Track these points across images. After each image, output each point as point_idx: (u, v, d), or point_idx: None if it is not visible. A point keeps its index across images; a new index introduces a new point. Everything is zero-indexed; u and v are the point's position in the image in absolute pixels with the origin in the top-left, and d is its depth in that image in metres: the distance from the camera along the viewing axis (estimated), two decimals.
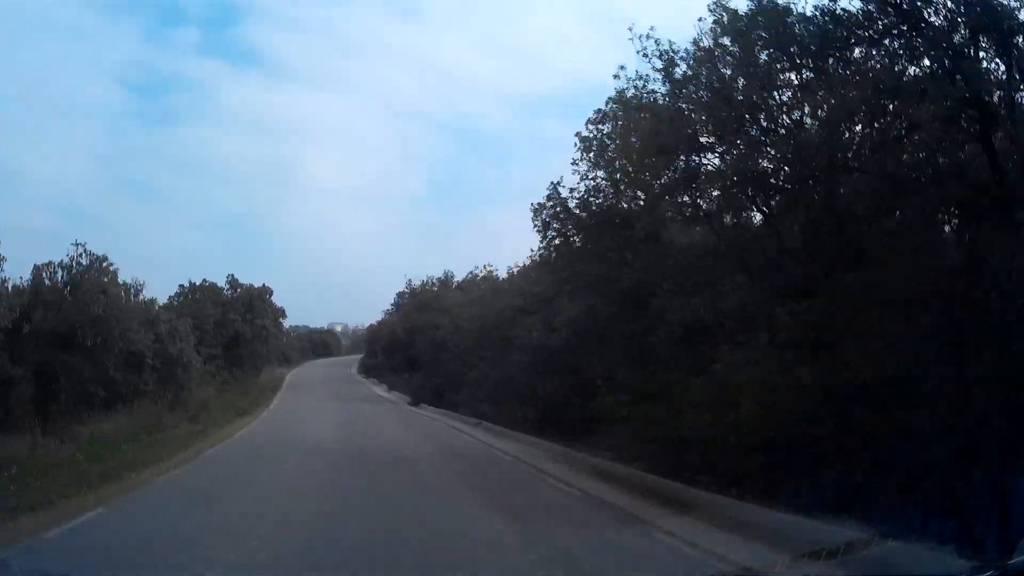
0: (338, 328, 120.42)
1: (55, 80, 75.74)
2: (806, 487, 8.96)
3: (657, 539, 8.40)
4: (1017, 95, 9.01)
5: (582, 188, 14.57)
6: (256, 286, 54.14)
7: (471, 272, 45.87)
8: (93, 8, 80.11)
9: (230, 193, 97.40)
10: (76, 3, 78.06)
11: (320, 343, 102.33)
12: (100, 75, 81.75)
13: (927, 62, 9.15)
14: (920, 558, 5.85)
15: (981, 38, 8.78)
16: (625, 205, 14.42)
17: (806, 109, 10.96)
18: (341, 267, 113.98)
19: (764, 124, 10.96)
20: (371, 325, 74.70)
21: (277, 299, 59.56)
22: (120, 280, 24.64)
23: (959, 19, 8.86)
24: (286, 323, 72.32)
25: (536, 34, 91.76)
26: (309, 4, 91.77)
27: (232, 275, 52.58)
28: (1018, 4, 8.69)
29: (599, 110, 14.38)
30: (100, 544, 7.89)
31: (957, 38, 8.90)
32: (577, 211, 14.82)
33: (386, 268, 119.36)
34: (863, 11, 9.26)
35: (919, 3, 8.85)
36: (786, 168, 10.67)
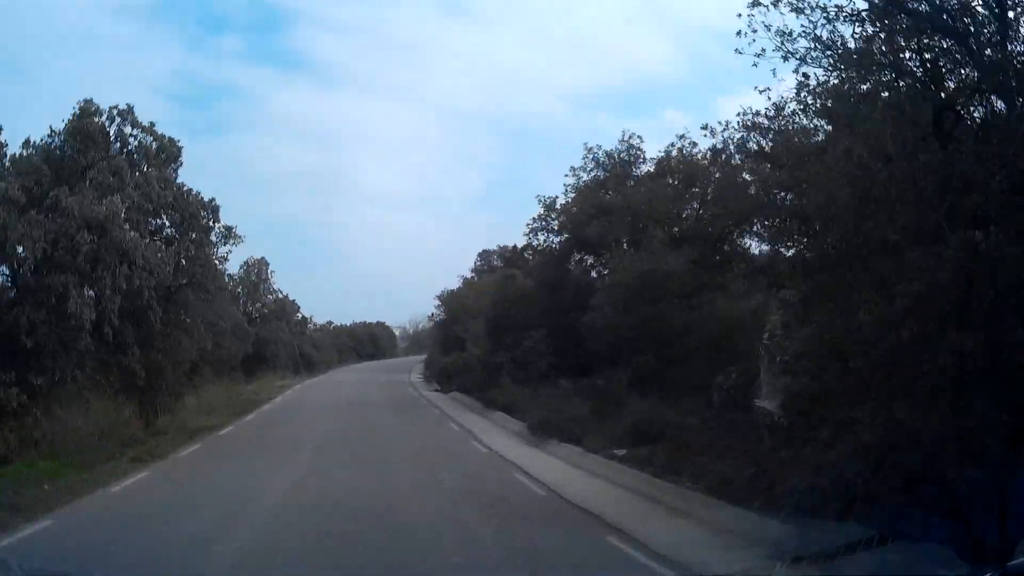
0: (398, 329, 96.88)
1: (97, 92, 74.36)
2: (806, 487, 8.93)
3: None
4: None
5: None
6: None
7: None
8: (132, 18, 78.74)
9: (281, 200, 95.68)
10: (114, 13, 76.79)
11: (366, 338, 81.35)
12: (142, 86, 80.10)
13: None
14: (920, 558, 5.84)
15: None
16: None
17: None
18: (392, 273, 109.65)
19: None
20: (454, 289, 43.62)
21: (321, 307, 50.99)
22: None
23: None
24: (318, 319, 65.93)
25: (588, 28, 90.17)
26: (355, 6, 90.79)
27: None
28: None
29: None
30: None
31: None
32: None
33: (439, 273, 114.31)
34: None
35: None
36: None
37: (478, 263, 44.25)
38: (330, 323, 75.15)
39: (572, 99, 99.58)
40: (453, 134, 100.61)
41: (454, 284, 44.27)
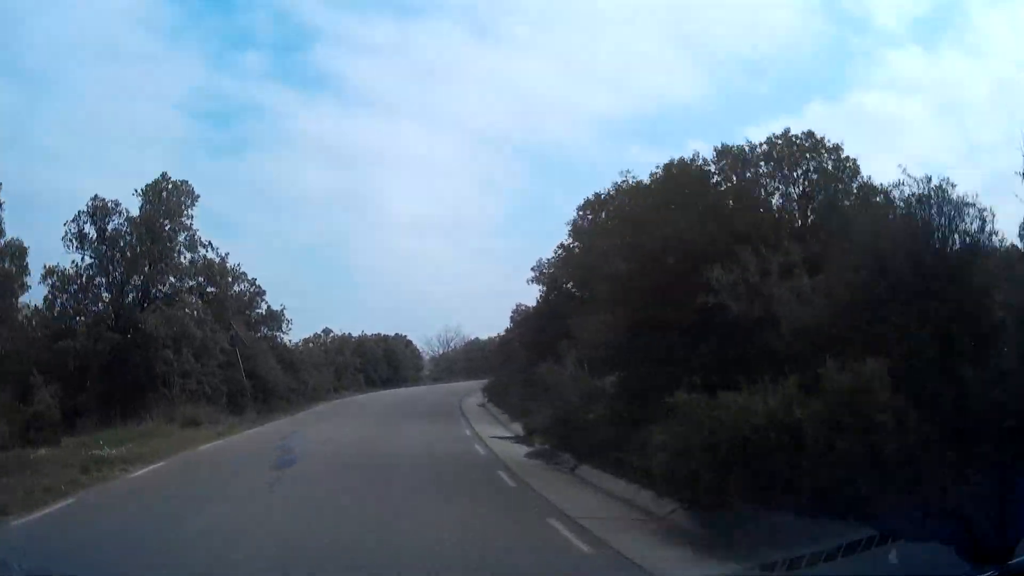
0: (422, 349, 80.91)
1: (120, 110, 73.35)
2: (805, 487, 8.93)
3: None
4: None
5: None
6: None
7: None
8: (158, 35, 77.70)
9: (304, 222, 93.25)
10: (140, 27, 75.84)
11: (381, 356, 64.22)
12: (164, 102, 78.72)
13: None
14: (920, 558, 5.83)
15: None
16: None
17: None
18: (416, 297, 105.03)
19: None
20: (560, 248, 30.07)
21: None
22: None
23: None
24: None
25: (616, 55, 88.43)
26: (382, 27, 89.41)
27: None
28: None
29: None
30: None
31: None
32: None
33: (463, 298, 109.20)
34: None
35: None
36: None
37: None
38: (326, 332, 59.78)
39: (599, 126, 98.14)
40: (477, 158, 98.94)
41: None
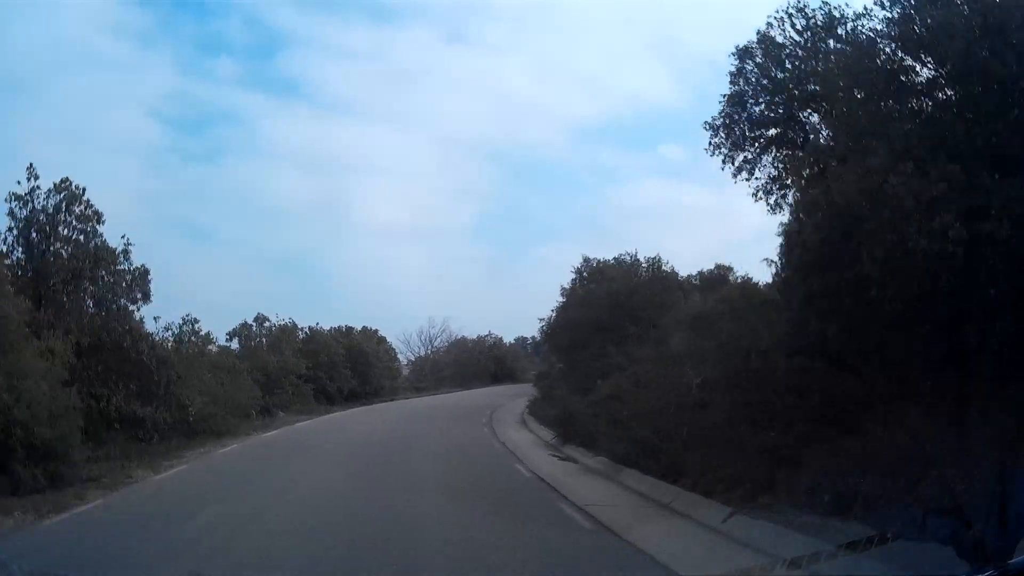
0: (399, 350, 59.38)
1: (94, 116, 72.10)
2: (806, 487, 8.95)
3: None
4: None
5: None
6: None
7: None
8: (128, 37, 76.37)
9: (280, 230, 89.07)
10: (112, 32, 74.51)
11: (342, 360, 41.25)
12: (137, 108, 76.96)
13: None
14: (920, 558, 5.84)
15: None
16: None
17: None
18: (396, 300, 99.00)
19: None
20: None
21: None
22: None
23: None
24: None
25: (592, 58, 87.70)
26: (356, 32, 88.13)
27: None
28: None
29: None
30: None
31: None
32: None
33: (445, 294, 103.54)
34: None
35: None
36: None
37: None
38: (259, 322, 37.83)
39: (574, 130, 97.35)
40: (451, 163, 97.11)
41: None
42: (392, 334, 58.82)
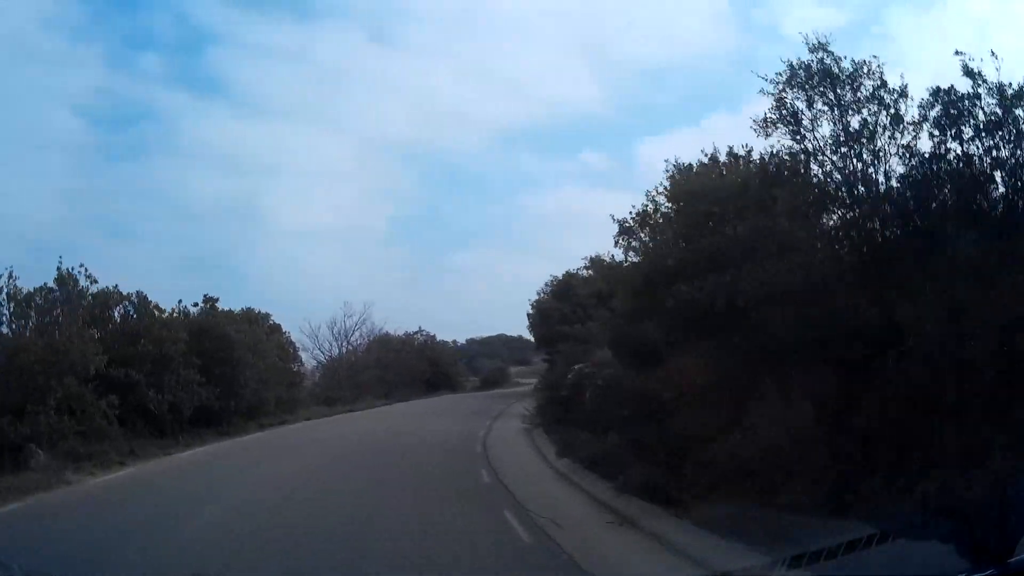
0: (302, 345, 43.64)
1: (17, 110, 69.69)
2: (806, 486, 8.96)
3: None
4: None
5: None
6: None
7: None
8: (63, 34, 74.44)
9: (199, 230, 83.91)
10: (44, 26, 72.43)
11: (179, 357, 22.41)
12: (65, 104, 74.37)
13: None
14: (920, 558, 5.85)
15: None
16: None
17: None
18: (310, 306, 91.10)
19: None
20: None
21: None
22: None
23: None
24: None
25: (516, 62, 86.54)
26: (281, 30, 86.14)
27: None
28: None
29: None
30: None
31: None
32: None
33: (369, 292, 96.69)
34: None
35: None
36: None
37: None
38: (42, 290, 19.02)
39: (495, 133, 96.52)
40: (372, 165, 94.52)
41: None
42: (297, 328, 46.05)
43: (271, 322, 33.88)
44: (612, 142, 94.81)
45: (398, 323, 63.90)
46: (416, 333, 57.67)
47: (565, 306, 37.23)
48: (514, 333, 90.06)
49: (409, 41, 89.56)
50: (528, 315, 44.65)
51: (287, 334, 36.03)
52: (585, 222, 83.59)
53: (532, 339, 49.20)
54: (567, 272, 39.17)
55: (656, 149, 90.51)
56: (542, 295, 42.91)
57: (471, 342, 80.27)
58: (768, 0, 75.09)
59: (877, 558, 5.88)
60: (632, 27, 76.78)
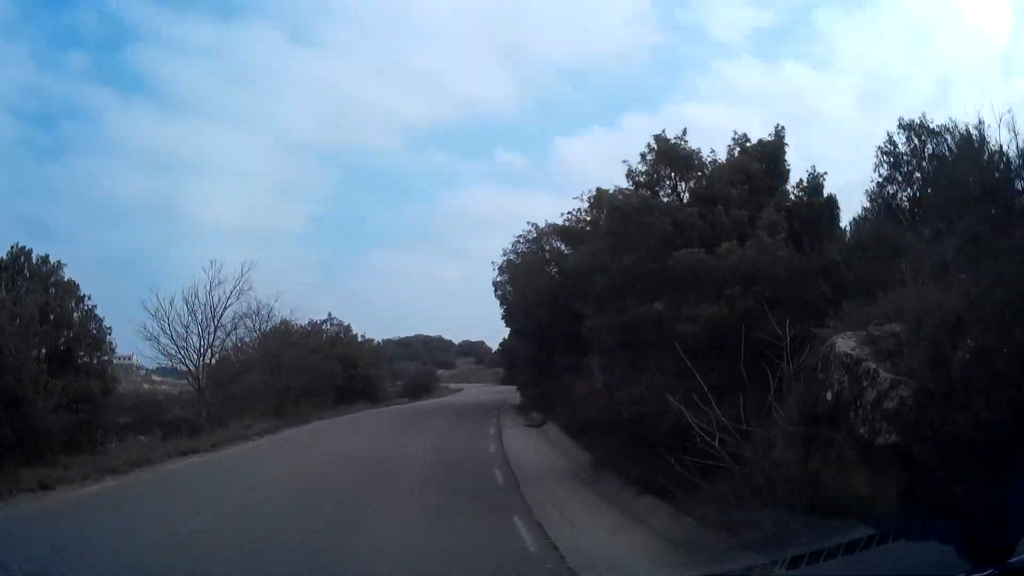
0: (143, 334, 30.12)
1: None
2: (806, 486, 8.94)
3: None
4: None
5: None
6: None
7: None
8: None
9: (122, 230, 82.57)
10: None
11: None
12: None
13: None
14: (920, 558, 5.84)
15: None
16: None
17: None
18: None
19: None
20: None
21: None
22: None
23: None
24: None
25: (432, 62, 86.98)
26: (201, 27, 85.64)
27: None
28: None
29: None
30: None
31: None
32: None
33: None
34: None
35: None
36: None
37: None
38: None
39: (410, 132, 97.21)
40: (288, 164, 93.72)
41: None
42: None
43: (85, 301, 21.77)
44: (527, 141, 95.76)
45: (310, 312, 50.70)
46: (325, 322, 44.78)
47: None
48: (432, 333, 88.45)
49: (328, 40, 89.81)
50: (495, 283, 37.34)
51: (87, 300, 22.05)
52: (499, 221, 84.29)
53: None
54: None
55: (572, 148, 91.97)
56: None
57: (388, 343, 71.63)
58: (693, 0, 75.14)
59: (877, 558, 5.88)
60: (551, 27, 77.51)
